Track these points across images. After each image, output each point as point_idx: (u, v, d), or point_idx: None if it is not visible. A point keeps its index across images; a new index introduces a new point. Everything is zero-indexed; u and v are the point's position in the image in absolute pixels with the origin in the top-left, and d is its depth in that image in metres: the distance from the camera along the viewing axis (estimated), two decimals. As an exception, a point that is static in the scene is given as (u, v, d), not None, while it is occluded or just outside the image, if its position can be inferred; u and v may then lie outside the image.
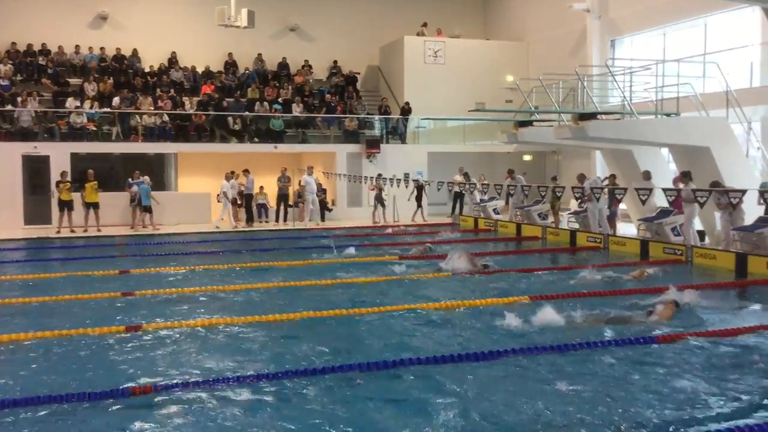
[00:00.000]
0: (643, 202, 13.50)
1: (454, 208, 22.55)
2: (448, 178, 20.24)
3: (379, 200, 21.83)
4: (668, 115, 15.92)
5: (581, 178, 17.46)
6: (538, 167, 26.72)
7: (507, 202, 21.11)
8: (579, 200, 16.24)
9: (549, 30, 26.79)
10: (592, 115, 15.16)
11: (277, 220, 21.88)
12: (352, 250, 14.82)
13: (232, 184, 20.74)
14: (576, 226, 17.70)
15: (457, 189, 21.80)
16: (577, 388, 6.17)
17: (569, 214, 18.75)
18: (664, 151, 17.77)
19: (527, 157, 26.74)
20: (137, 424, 5.42)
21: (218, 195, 20.92)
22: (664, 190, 13.29)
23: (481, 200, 21.27)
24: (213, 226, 20.45)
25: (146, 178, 20.26)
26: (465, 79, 26.82)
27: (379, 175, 20.40)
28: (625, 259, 13.99)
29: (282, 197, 21.94)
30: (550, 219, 19.05)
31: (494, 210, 20.94)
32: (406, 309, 9.28)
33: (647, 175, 15.81)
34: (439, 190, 19.86)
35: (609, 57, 22.86)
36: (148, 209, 19.91)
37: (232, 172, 21.01)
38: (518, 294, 10.17)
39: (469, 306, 9.49)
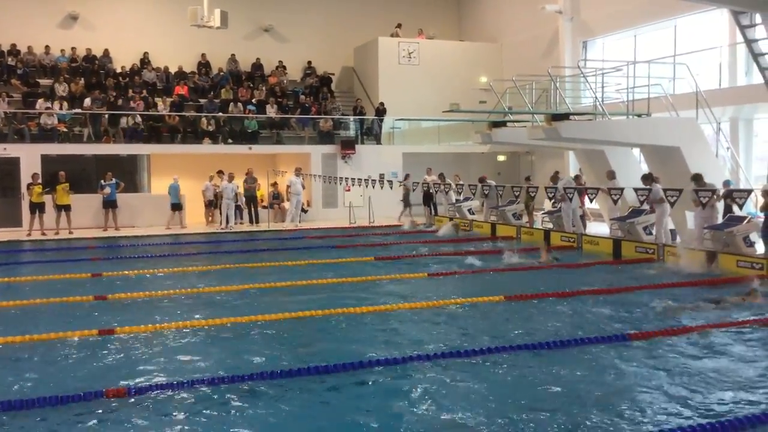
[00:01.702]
0: (615, 202, 13.67)
1: (430, 208, 22.62)
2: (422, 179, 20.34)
3: (406, 201, 22.03)
4: (639, 115, 16.13)
5: (556, 177, 17.62)
6: (512, 167, 26.92)
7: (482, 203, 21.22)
8: (552, 200, 16.37)
9: (522, 31, 26.99)
10: (564, 116, 15.30)
11: (251, 222, 21.79)
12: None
13: (232, 187, 20.71)
14: (550, 225, 17.85)
15: (432, 190, 21.83)
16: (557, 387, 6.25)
17: (543, 213, 18.91)
18: (636, 151, 17.99)
19: (501, 158, 26.90)
20: (110, 428, 5.38)
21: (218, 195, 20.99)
22: (636, 189, 13.45)
23: (457, 200, 21.35)
24: (220, 229, 20.51)
25: (176, 177, 20.89)
26: (439, 80, 26.93)
27: (407, 175, 20.52)
28: (599, 258, 14.16)
29: (250, 199, 21.85)
30: (525, 219, 19.19)
31: (469, 210, 21.03)
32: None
33: (611, 175, 16.03)
34: (414, 191, 19.94)
35: (581, 58, 23.10)
36: (178, 207, 20.37)
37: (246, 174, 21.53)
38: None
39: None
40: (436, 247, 16.24)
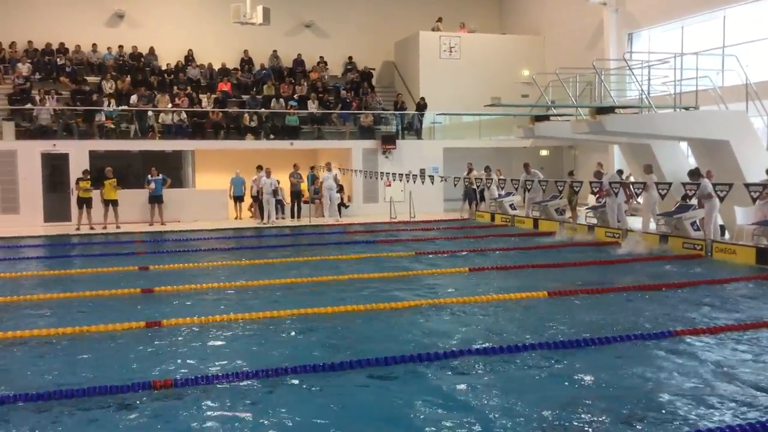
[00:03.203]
0: (663, 197, 13.42)
1: (471, 203, 22.54)
2: (464, 175, 20.24)
3: (479, 195, 22.33)
4: (687, 108, 15.78)
5: (598, 175, 17.39)
6: (555, 162, 26.59)
7: (524, 198, 21.01)
8: (597, 195, 16.14)
9: (565, 24, 26.63)
10: (609, 109, 15.06)
11: (292, 217, 21.95)
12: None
13: (272, 182, 20.97)
14: (593, 221, 17.60)
15: (476, 186, 21.69)
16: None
17: (587, 209, 18.64)
18: (683, 145, 17.62)
19: (544, 152, 26.60)
20: (158, 418, 5.47)
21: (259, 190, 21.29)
22: (684, 184, 13.18)
23: (499, 195, 21.19)
24: (261, 223, 20.83)
25: (238, 171, 22.05)
26: (481, 74, 26.70)
27: (470, 170, 21.32)
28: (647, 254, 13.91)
29: (295, 194, 21.99)
30: (568, 214, 18.96)
31: (511, 205, 20.84)
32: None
33: (648, 169, 15.74)
34: (455, 186, 19.84)
35: (626, 50, 22.66)
36: (240, 199, 21.99)
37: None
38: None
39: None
40: (477, 242, 16.15)
